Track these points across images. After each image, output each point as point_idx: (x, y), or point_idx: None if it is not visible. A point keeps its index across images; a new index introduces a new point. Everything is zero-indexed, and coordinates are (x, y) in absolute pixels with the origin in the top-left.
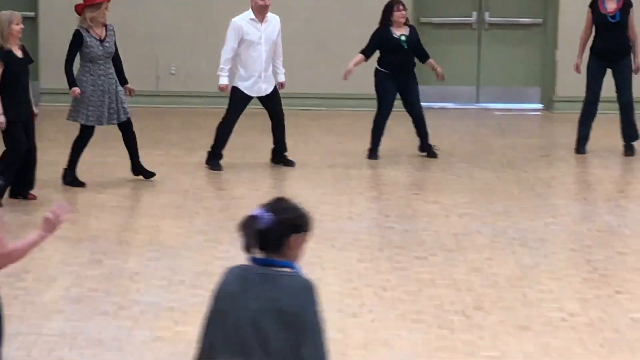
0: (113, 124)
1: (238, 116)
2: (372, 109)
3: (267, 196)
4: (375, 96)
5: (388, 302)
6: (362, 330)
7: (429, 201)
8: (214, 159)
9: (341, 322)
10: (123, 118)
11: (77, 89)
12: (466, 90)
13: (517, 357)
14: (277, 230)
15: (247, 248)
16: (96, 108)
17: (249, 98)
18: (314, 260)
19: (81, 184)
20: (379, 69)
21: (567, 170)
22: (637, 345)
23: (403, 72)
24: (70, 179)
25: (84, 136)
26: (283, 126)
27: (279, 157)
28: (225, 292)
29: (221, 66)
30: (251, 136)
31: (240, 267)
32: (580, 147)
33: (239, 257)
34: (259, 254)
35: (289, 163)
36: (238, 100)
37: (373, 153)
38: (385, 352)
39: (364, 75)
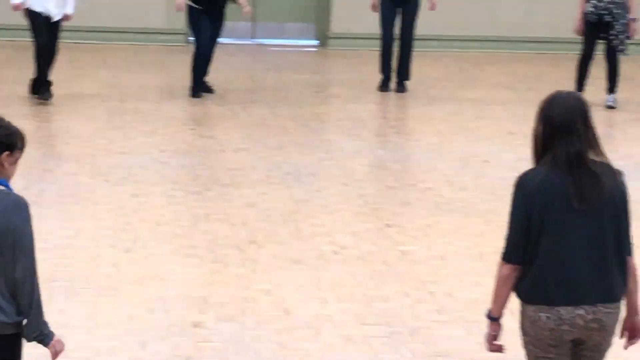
0: None
1: (47, 37)
2: (145, 43)
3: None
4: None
5: (162, 237)
6: (136, 266)
7: (204, 136)
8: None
9: (114, 258)
10: None
11: None
12: (242, 26)
13: (289, 289)
14: None
15: None
16: None
17: (44, 16)
18: (87, 195)
19: None
20: (191, 4)
21: (341, 107)
22: (406, 277)
23: (214, 7)
24: None
25: None
26: (52, 58)
27: (38, 87)
28: None
29: None
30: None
31: None
32: (384, 86)
33: None
34: None
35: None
36: (35, 20)
37: (196, 90)
38: (159, 286)
39: (137, 9)
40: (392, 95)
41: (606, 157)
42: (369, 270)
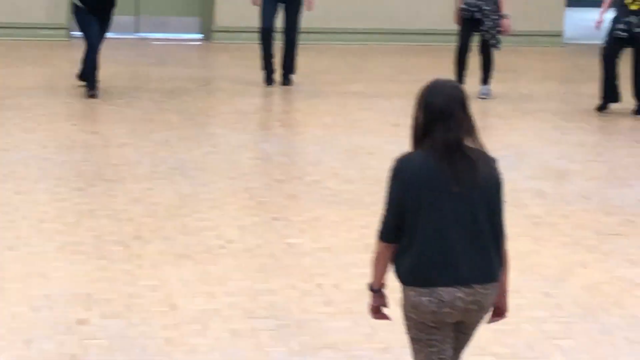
0: None
1: None
2: (26, 38)
3: None
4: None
5: (46, 234)
6: (19, 264)
7: (87, 131)
8: None
9: None
10: None
11: None
12: (125, 20)
13: (176, 285)
14: None
15: None
16: None
17: None
18: None
19: None
20: (76, 4)
21: (226, 100)
22: (293, 270)
23: (100, 5)
24: None
25: None
26: None
27: None
28: None
29: None
30: None
31: None
32: (269, 80)
33: None
34: None
35: None
36: None
37: (91, 87)
38: (43, 284)
39: (18, 3)
40: (277, 88)
41: (483, 145)
42: (256, 263)
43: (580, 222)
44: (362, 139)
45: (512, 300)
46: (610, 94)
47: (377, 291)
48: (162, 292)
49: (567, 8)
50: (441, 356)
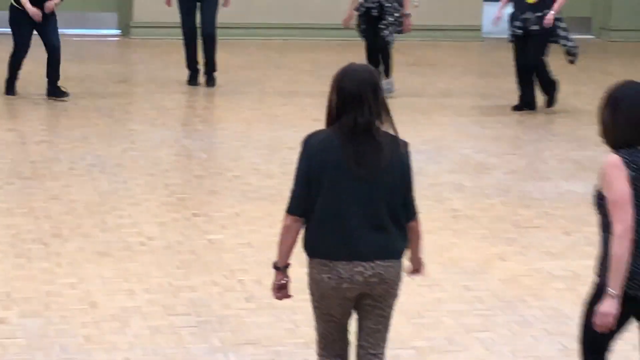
0: None
1: None
2: None
3: None
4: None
5: None
6: None
7: (4, 129)
8: None
9: None
10: None
11: None
12: None
13: (96, 282)
14: None
15: None
16: None
17: None
18: None
19: None
20: (15, 5)
21: (146, 97)
22: (213, 266)
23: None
24: None
25: None
26: None
27: None
28: None
29: None
30: None
31: None
32: (193, 80)
33: None
34: None
35: None
36: None
37: (9, 88)
38: None
39: None
40: (201, 87)
41: (395, 129)
42: (177, 260)
43: (499, 215)
44: (282, 134)
45: (433, 294)
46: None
47: (280, 269)
48: (82, 290)
49: (485, 3)
50: (340, 328)
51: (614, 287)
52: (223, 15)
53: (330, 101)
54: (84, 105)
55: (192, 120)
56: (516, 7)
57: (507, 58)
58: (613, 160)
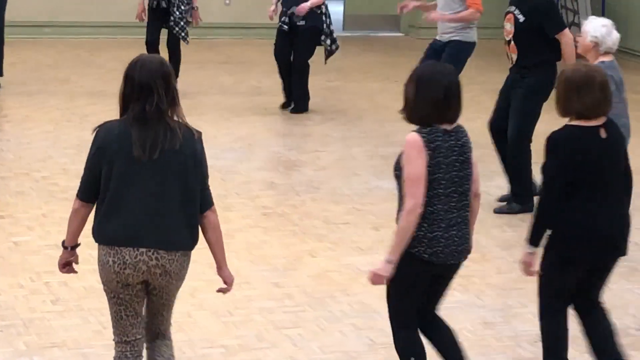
0: None
1: None
2: None
3: None
4: None
5: None
6: None
7: None
8: None
9: None
10: None
11: None
12: None
13: None
14: None
15: None
16: None
17: None
18: None
19: None
20: None
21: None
22: (19, 268)
23: None
24: None
25: None
26: None
27: None
28: None
29: None
30: None
31: None
32: None
33: None
34: None
35: None
36: None
37: None
38: None
39: None
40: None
41: (184, 119)
42: None
43: (309, 212)
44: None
45: (242, 292)
46: (289, 94)
47: (67, 248)
48: None
49: None
50: (128, 312)
51: (393, 254)
52: (32, 13)
53: (121, 91)
54: None
55: None
56: (284, 1)
57: (317, 55)
58: (414, 138)
